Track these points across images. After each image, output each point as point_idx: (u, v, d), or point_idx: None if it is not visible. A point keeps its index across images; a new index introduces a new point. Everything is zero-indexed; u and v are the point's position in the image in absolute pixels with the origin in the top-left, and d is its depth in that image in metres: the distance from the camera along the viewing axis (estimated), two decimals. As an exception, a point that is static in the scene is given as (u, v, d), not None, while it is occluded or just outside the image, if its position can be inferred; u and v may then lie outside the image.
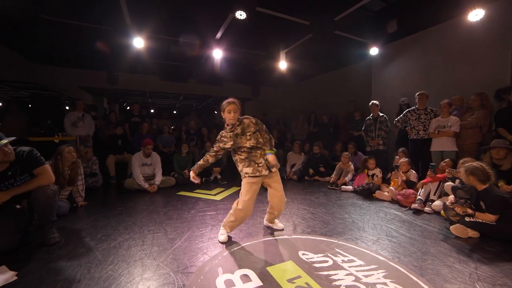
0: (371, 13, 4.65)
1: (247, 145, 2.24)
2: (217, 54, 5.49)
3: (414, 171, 3.85)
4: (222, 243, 2.24)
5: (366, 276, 1.73)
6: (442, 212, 2.93)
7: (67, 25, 4.69)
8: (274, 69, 6.66)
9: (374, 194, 3.89)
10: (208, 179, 5.12)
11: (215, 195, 4.08)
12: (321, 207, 3.41)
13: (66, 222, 2.78)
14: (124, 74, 7.93)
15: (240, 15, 4.00)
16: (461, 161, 3.04)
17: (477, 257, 2.00)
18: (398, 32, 4.79)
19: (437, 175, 3.35)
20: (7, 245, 2.04)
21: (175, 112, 15.43)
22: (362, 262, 1.91)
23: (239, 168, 2.30)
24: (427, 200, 3.30)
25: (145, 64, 6.85)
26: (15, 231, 2.10)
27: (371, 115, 4.97)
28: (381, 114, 4.85)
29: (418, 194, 3.37)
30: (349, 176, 4.67)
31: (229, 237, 2.35)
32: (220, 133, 2.36)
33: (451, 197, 2.81)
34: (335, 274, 1.75)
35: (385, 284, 1.65)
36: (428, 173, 3.42)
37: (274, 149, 2.34)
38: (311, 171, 5.32)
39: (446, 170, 3.22)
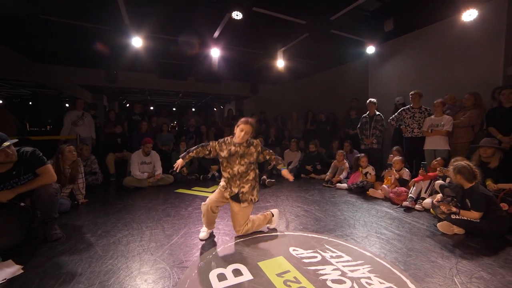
0: (367, 13, 4.68)
1: (235, 168, 2.30)
2: (215, 53, 5.55)
3: (407, 169, 3.93)
4: (201, 240, 2.32)
5: (352, 271, 1.82)
6: (431, 209, 3.02)
7: (67, 25, 4.76)
8: (272, 68, 6.70)
9: (368, 192, 3.98)
10: (205, 177, 5.22)
11: (212, 192, 4.15)
12: (314, 204, 3.50)
13: (68, 219, 2.88)
14: (123, 73, 7.99)
15: (237, 15, 4.06)
16: (453, 159, 3.12)
17: (459, 253, 2.10)
18: (394, 30, 4.82)
19: (428, 174, 3.42)
20: (13, 240, 2.14)
21: (174, 109, 15.50)
22: (349, 258, 2.01)
23: (221, 171, 2.43)
24: (418, 198, 3.39)
25: (144, 63, 6.91)
26: (20, 228, 2.21)
27: (367, 113, 5.01)
28: (377, 113, 4.90)
29: (410, 192, 3.46)
30: (344, 174, 4.75)
31: (212, 235, 2.43)
32: (226, 138, 2.36)
33: (439, 195, 2.90)
34: (322, 269, 1.85)
35: (369, 278, 1.74)
36: (419, 171, 3.50)
37: (285, 166, 2.53)
38: (308, 167, 5.41)
39: (438, 169, 3.30)
